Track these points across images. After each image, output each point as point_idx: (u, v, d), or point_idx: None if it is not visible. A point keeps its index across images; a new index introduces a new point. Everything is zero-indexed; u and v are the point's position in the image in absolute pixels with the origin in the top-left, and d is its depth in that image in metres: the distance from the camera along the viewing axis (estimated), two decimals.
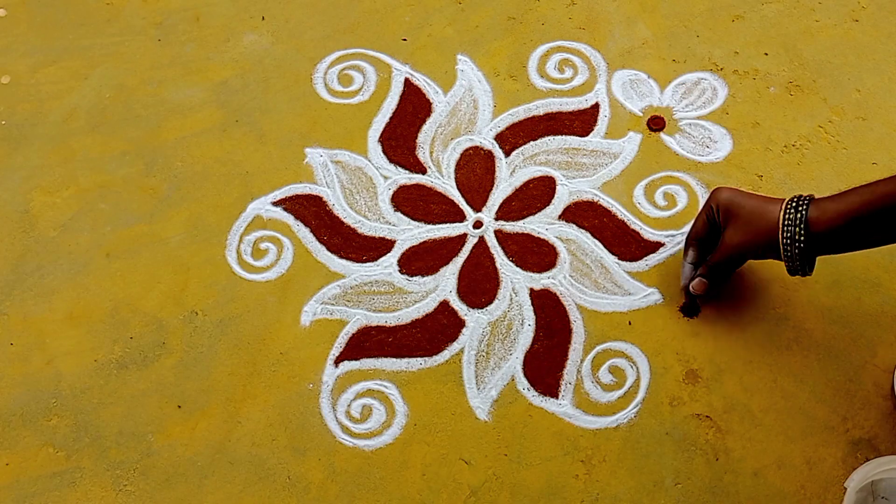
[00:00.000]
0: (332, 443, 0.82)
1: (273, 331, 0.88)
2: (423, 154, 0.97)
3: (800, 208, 0.72)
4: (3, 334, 0.89)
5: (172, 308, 0.89)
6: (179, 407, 0.84)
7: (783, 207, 0.73)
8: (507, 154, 0.96)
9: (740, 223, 0.76)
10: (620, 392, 0.82)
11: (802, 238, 0.71)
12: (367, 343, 0.86)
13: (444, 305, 0.88)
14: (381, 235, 0.92)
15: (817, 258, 0.74)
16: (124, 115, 1.02)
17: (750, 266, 0.86)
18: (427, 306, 0.88)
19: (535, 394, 0.83)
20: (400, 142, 0.98)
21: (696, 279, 0.82)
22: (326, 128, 1.00)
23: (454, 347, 0.86)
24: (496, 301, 0.88)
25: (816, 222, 0.71)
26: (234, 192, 0.96)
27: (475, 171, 0.95)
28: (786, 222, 0.72)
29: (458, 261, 0.90)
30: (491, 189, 0.94)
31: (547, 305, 0.87)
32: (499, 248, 0.91)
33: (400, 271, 0.90)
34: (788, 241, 0.72)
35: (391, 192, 0.95)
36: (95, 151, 1.00)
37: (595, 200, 0.92)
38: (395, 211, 0.94)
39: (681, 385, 0.82)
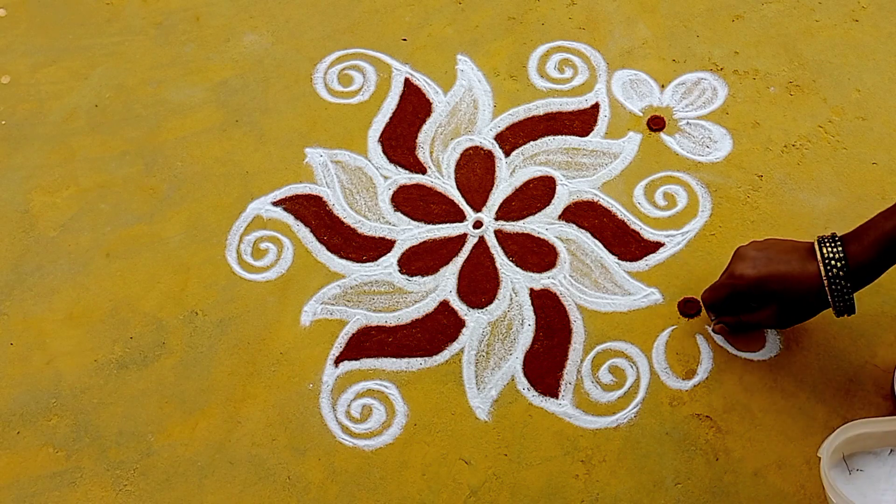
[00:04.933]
0: (332, 443, 0.82)
1: (273, 331, 0.88)
2: (423, 154, 0.97)
3: (836, 244, 0.70)
4: (3, 334, 0.89)
5: (172, 308, 0.89)
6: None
7: (819, 248, 0.71)
8: (507, 154, 0.96)
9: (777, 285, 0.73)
10: (620, 392, 0.82)
11: (842, 273, 0.69)
12: (367, 343, 0.86)
13: (444, 305, 0.88)
14: (381, 235, 0.92)
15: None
16: (124, 115, 1.02)
17: None
18: (427, 306, 0.88)
19: (535, 394, 0.83)
20: (400, 142, 0.98)
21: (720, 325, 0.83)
22: (326, 128, 1.00)
23: (454, 347, 0.86)
24: (496, 301, 0.88)
25: (853, 256, 0.69)
26: (234, 192, 0.96)
27: (475, 171, 0.95)
28: (825, 258, 0.70)
29: (458, 261, 0.90)
30: (491, 189, 0.94)
31: (547, 305, 0.87)
32: (499, 248, 0.91)
33: (400, 271, 0.90)
34: (833, 277, 0.69)
35: (391, 192, 0.95)
36: (95, 151, 1.00)
37: (595, 200, 0.92)
38: (395, 211, 0.94)
39: (681, 385, 0.82)
